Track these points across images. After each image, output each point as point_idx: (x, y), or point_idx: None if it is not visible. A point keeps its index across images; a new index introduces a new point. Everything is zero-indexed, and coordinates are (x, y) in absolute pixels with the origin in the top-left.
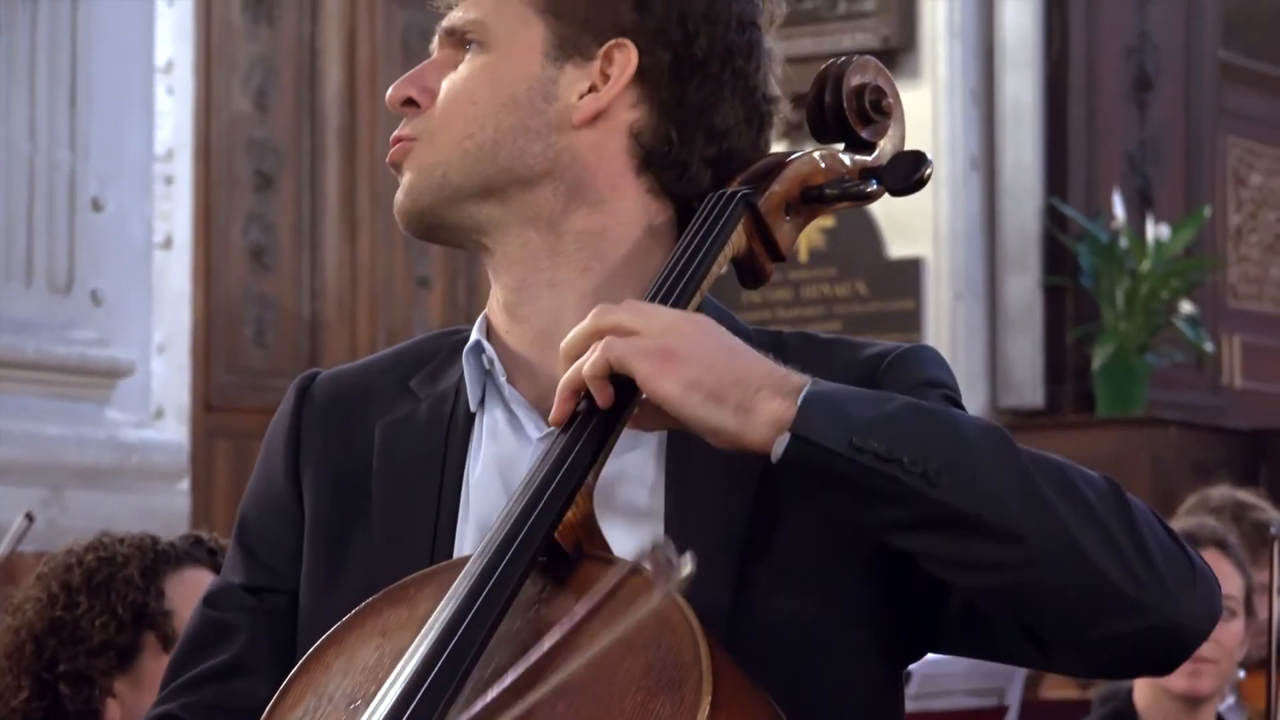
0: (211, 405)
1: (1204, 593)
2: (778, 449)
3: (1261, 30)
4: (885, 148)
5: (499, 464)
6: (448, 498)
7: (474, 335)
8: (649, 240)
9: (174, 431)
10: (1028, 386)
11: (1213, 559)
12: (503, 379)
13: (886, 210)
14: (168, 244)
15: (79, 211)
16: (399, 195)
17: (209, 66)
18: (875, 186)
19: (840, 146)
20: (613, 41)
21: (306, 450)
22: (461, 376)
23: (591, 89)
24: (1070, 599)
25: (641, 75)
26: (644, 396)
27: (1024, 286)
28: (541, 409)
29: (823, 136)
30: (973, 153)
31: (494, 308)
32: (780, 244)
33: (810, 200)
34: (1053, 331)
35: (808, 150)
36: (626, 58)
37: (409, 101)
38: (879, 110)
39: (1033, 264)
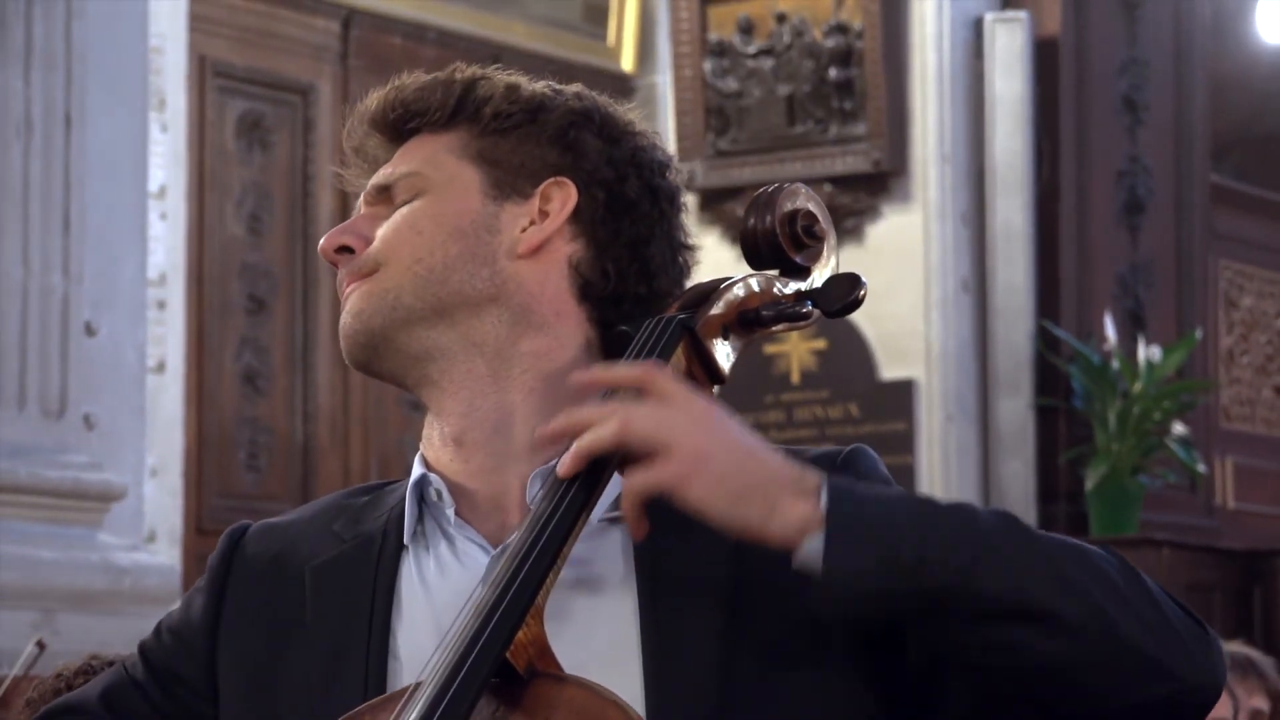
0: (204, 529)
1: (1217, 655)
2: (807, 551)
3: (1251, 153)
4: (819, 272)
5: (442, 595)
6: (376, 637)
7: (417, 470)
8: (588, 360)
9: (166, 555)
10: (1020, 508)
11: (1233, 680)
12: (450, 509)
13: (878, 332)
14: (160, 368)
15: (72, 336)
16: (346, 319)
17: (202, 192)
18: (810, 308)
19: (775, 272)
20: (550, 180)
21: (233, 599)
22: (388, 516)
23: (532, 223)
24: (1109, 670)
25: (577, 212)
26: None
27: (1016, 408)
28: (487, 534)
29: (757, 262)
30: (964, 275)
31: (434, 444)
32: (719, 367)
33: (747, 323)
34: (1045, 453)
35: (743, 275)
36: (566, 193)
37: (342, 249)
38: (811, 235)
39: (1025, 386)
